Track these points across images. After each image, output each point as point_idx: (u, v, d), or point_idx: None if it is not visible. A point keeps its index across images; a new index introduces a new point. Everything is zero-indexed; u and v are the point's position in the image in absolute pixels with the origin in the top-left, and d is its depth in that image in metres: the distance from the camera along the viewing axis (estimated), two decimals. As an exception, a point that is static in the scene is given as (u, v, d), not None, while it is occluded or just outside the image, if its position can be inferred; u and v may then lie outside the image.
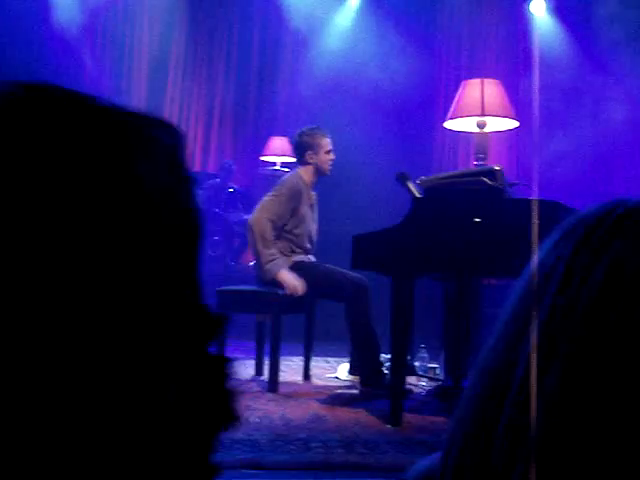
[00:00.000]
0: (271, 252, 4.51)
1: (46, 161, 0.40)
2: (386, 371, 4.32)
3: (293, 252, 4.66)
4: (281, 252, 4.59)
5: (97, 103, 0.48)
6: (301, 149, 4.74)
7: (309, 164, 4.72)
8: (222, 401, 0.50)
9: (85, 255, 0.39)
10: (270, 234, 4.53)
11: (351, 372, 4.67)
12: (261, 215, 4.54)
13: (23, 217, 0.38)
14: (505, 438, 0.50)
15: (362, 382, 4.43)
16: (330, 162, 4.76)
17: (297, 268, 4.61)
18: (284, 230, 4.61)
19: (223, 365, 0.51)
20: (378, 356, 4.45)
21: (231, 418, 0.51)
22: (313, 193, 4.83)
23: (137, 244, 0.42)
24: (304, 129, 4.81)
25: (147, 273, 0.42)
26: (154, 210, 0.43)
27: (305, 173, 4.74)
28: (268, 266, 4.48)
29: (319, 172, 4.76)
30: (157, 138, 0.46)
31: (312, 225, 4.80)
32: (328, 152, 4.74)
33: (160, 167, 0.45)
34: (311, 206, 4.78)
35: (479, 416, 0.54)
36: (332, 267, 4.66)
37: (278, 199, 4.58)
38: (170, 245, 0.44)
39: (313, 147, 4.70)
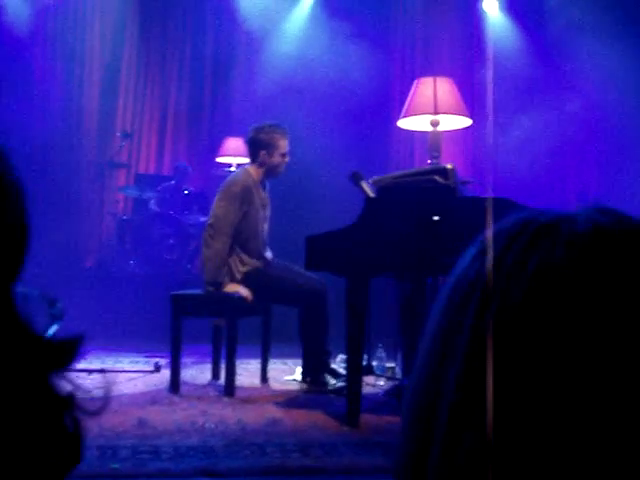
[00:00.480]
0: (219, 273, 4.45)
1: None
2: (343, 371, 4.32)
3: (243, 264, 4.57)
4: (230, 269, 4.52)
5: None
6: (255, 147, 4.56)
7: (261, 164, 4.57)
8: (61, 439, 0.46)
9: None
10: (226, 253, 4.46)
11: (303, 378, 4.62)
12: (219, 232, 4.43)
13: None
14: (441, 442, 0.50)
15: (311, 383, 4.45)
16: (283, 165, 4.61)
17: (248, 279, 4.54)
18: (235, 238, 4.51)
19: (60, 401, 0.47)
20: (325, 358, 4.48)
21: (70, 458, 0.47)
22: (264, 192, 4.70)
23: None
24: (263, 125, 4.61)
25: None
26: None
27: (254, 171, 4.60)
28: (210, 284, 4.46)
29: (270, 173, 4.63)
30: None
31: (263, 225, 4.71)
32: (283, 155, 4.58)
33: None
34: (263, 206, 4.69)
35: (415, 425, 0.55)
36: (286, 273, 4.59)
37: (228, 202, 4.46)
38: None
39: (268, 147, 4.52)
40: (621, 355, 0.44)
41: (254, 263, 4.59)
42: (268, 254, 4.75)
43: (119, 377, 4.64)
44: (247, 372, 5.05)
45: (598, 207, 0.51)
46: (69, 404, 0.47)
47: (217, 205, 4.51)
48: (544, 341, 0.45)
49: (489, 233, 0.53)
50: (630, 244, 0.48)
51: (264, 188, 4.71)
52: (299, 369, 4.85)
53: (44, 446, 0.44)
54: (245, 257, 4.56)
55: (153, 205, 7.60)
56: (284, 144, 4.58)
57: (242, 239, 4.53)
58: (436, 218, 3.36)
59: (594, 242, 0.48)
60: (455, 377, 0.49)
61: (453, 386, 0.49)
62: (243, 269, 4.55)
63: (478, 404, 0.47)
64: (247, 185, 4.52)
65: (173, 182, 7.71)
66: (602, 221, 0.49)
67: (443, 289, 0.55)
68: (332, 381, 4.48)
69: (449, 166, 3.58)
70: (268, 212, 4.76)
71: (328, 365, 4.55)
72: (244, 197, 4.48)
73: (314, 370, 4.50)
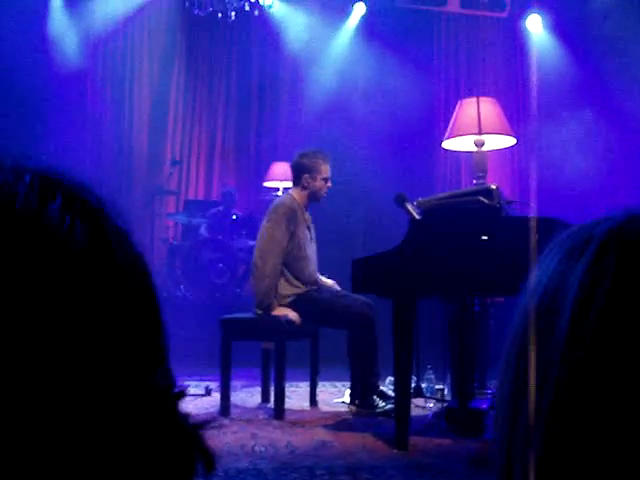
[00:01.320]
0: (268, 295, 4.49)
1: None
2: (392, 393, 4.31)
3: (291, 286, 4.60)
4: (278, 291, 4.56)
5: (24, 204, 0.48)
6: (299, 171, 4.68)
7: (304, 187, 4.66)
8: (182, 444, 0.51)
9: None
10: (275, 275, 4.51)
11: (351, 401, 4.61)
12: (267, 253, 4.48)
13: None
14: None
15: (359, 406, 4.44)
16: (326, 190, 4.70)
17: (296, 303, 4.57)
18: (283, 260, 4.56)
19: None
20: (374, 380, 4.48)
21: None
22: (308, 214, 4.77)
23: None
24: (306, 151, 4.74)
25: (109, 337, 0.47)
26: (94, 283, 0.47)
27: (298, 195, 4.69)
28: (259, 307, 4.51)
29: (312, 197, 4.70)
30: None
31: (312, 246, 4.77)
32: (326, 179, 4.68)
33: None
34: (308, 227, 4.74)
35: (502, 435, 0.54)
36: (334, 296, 4.63)
37: (275, 224, 4.53)
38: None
39: (311, 171, 4.63)
40: None
41: (303, 286, 4.63)
42: (320, 277, 4.80)
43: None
44: (296, 395, 5.07)
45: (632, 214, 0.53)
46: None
47: (264, 227, 4.58)
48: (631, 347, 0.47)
49: (568, 236, 0.54)
50: None
51: (308, 211, 4.77)
52: (348, 391, 4.85)
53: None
54: (293, 280, 4.60)
55: (204, 230, 7.71)
56: (326, 169, 4.67)
57: (290, 261, 4.57)
58: (484, 238, 3.36)
59: None
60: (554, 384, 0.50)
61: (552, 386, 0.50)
62: (291, 292, 4.59)
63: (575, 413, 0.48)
64: (292, 207, 4.60)
65: (221, 207, 7.81)
66: None
67: (523, 295, 0.55)
68: (381, 403, 4.47)
69: (493, 186, 3.58)
70: (314, 234, 4.81)
71: (377, 387, 4.54)
72: (290, 218, 4.55)
73: (363, 392, 4.50)
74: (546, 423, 0.49)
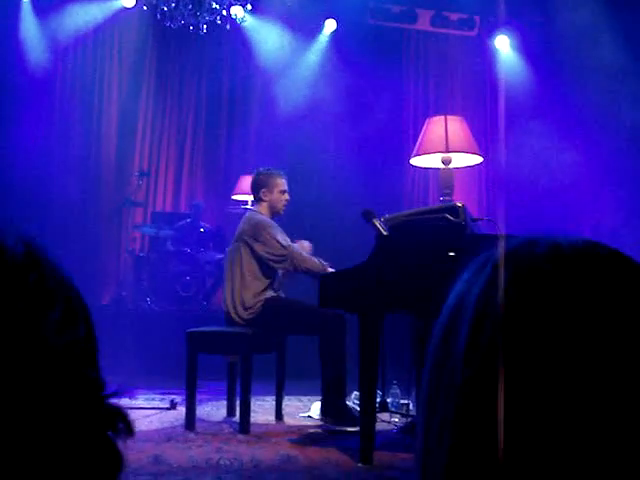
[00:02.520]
0: (315, 263, 4.60)
1: None
2: (358, 408, 4.32)
3: (266, 289, 4.71)
4: (255, 292, 4.63)
5: None
6: (257, 186, 4.89)
7: (263, 201, 4.87)
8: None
9: None
10: (301, 255, 4.65)
11: (322, 413, 4.60)
12: (279, 244, 4.61)
13: None
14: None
15: (334, 421, 4.43)
16: (284, 202, 4.90)
17: (271, 304, 4.65)
18: (263, 268, 4.68)
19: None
20: (344, 393, 4.49)
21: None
22: None
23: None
24: (261, 169, 4.97)
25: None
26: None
27: (262, 210, 4.88)
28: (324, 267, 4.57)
29: (273, 211, 4.89)
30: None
31: None
32: (282, 192, 4.88)
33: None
34: None
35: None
36: (305, 302, 4.68)
37: (275, 230, 4.67)
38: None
39: (268, 185, 4.85)
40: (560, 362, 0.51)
41: (274, 292, 4.76)
42: (281, 294, 4.87)
43: (134, 414, 4.67)
44: (262, 409, 5.07)
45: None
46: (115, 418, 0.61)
47: (271, 240, 4.63)
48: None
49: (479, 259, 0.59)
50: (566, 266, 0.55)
51: None
52: (316, 404, 4.86)
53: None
54: (267, 283, 4.72)
55: (170, 245, 7.70)
56: (282, 182, 4.90)
57: (266, 268, 4.70)
58: (450, 254, 3.40)
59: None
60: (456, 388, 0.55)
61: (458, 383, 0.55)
62: (266, 295, 4.68)
63: (479, 417, 0.52)
64: (268, 219, 4.79)
65: (189, 220, 7.80)
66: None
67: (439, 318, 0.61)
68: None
69: (459, 204, 3.63)
70: None
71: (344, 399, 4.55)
72: (275, 227, 4.73)
73: (334, 403, 4.47)
74: (453, 423, 0.55)
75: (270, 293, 4.72)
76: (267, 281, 4.72)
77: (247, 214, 4.92)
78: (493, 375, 0.52)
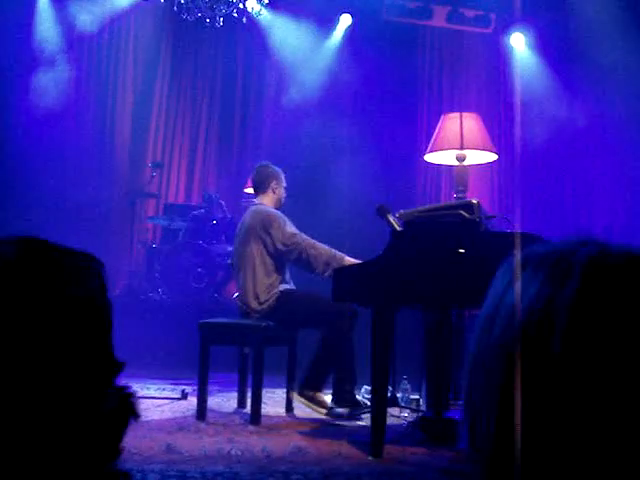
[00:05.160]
0: (325, 249, 4.61)
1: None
2: (368, 402, 4.36)
3: (279, 282, 4.75)
4: (268, 285, 4.65)
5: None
6: (268, 178, 4.92)
7: (272, 193, 4.91)
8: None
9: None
10: (310, 240, 4.66)
11: (334, 403, 4.66)
12: (289, 232, 4.64)
13: None
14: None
15: (337, 403, 4.49)
16: (285, 196, 4.98)
17: (285, 296, 4.69)
18: (274, 261, 4.71)
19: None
20: (353, 378, 4.59)
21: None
22: None
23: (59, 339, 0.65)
24: (265, 163, 5.03)
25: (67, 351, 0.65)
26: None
27: (269, 202, 4.92)
28: (338, 258, 4.57)
29: (279, 204, 4.96)
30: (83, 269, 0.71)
31: None
32: (285, 188, 4.98)
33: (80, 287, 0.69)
34: None
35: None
36: (318, 294, 4.71)
37: (283, 221, 4.69)
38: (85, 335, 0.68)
39: (278, 178, 4.93)
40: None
41: (285, 285, 4.81)
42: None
43: (146, 403, 4.71)
44: (272, 401, 5.10)
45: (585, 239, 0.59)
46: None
47: (282, 230, 4.66)
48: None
49: (516, 264, 0.60)
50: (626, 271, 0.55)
51: None
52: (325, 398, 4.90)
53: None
54: (280, 277, 4.76)
55: (181, 238, 7.72)
56: (284, 179, 4.99)
57: (278, 261, 4.74)
58: (461, 251, 3.42)
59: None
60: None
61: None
62: (277, 290, 4.71)
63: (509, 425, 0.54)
64: (278, 211, 4.82)
65: (202, 211, 7.82)
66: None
67: (479, 318, 0.62)
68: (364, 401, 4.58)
69: (474, 201, 3.64)
70: None
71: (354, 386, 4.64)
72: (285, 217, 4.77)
73: (343, 387, 4.56)
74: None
75: (283, 286, 4.76)
76: (279, 274, 4.75)
77: (253, 208, 4.91)
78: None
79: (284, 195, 4.96)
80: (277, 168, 4.97)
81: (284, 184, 4.96)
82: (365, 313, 3.67)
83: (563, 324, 0.55)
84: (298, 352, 4.97)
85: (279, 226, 4.67)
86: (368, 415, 3.90)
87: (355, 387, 4.67)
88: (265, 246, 4.70)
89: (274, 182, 4.90)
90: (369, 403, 4.07)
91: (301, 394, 4.62)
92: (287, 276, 4.86)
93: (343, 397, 4.56)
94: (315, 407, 4.59)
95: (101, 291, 0.72)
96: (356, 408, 4.55)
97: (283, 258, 4.73)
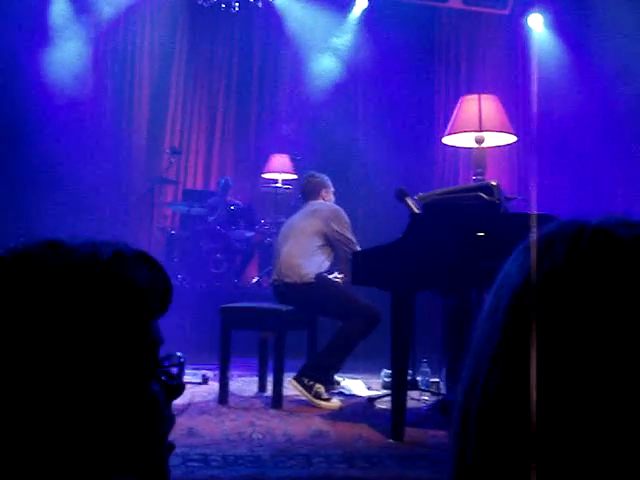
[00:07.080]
0: None
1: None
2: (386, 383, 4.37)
3: (323, 264, 4.90)
4: (313, 261, 4.83)
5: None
6: (320, 186, 5.22)
7: (323, 200, 5.17)
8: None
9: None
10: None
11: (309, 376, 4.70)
12: (351, 239, 4.88)
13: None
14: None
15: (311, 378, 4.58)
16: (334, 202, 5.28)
17: (324, 280, 4.81)
18: (327, 246, 4.92)
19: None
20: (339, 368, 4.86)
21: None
22: None
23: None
24: (312, 172, 5.35)
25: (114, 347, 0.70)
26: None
27: None
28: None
29: None
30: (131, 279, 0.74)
31: None
32: (334, 193, 5.32)
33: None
34: None
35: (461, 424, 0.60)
36: (355, 292, 4.75)
37: (347, 223, 4.93)
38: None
39: (327, 187, 5.25)
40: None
41: (327, 273, 4.96)
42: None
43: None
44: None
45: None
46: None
47: (347, 226, 4.91)
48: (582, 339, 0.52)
49: (532, 240, 0.59)
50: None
51: None
52: (346, 382, 4.93)
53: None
54: (326, 262, 4.92)
55: (201, 223, 7.74)
56: (331, 185, 5.32)
57: (330, 249, 4.95)
58: (481, 234, 3.41)
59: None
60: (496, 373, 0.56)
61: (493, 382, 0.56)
62: (318, 270, 4.83)
63: (518, 402, 0.54)
64: None
65: (216, 197, 7.84)
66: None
67: (488, 296, 0.61)
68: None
69: (493, 183, 3.63)
70: None
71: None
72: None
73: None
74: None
75: (326, 268, 4.89)
76: (327, 258, 4.90)
77: (319, 202, 5.13)
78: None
79: (333, 200, 5.26)
80: (325, 176, 5.29)
81: (332, 189, 5.29)
82: (385, 295, 3.66)
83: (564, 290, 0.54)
84: (320, 336, 4.98)
85: (345, 222, 4.91)
86: (388, 399, 3.91)
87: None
88: (327, 231, 4.85)
89: (324, 190, 5.21)
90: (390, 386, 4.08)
91: (297, 379, 4.61)
92: (331, 267, 5.00)
93: (325, 378, 4.70)
94: (311, 398, 4.55)
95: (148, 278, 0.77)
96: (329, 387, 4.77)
97: (337, 248, 4.93)
